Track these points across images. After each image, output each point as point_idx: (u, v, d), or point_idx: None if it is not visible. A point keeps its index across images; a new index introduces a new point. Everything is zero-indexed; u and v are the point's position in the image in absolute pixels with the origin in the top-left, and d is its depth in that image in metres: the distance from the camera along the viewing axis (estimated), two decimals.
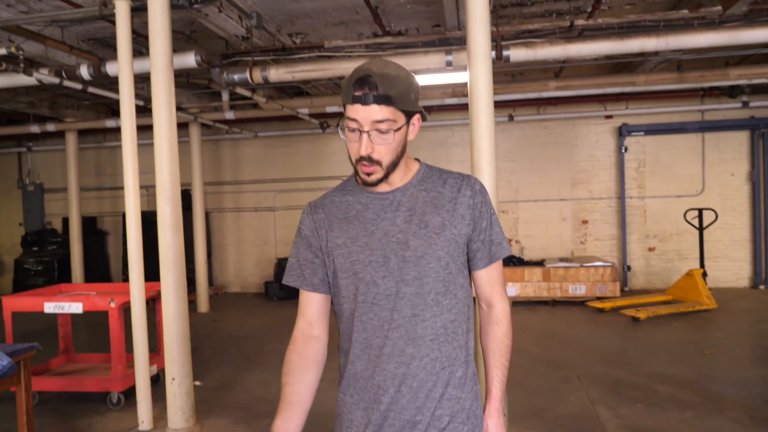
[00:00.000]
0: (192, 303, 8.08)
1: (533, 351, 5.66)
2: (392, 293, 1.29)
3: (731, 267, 9.03)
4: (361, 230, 1.33)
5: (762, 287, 8.82)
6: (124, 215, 9.72)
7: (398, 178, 1.35)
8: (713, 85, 7.73)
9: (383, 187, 1.35)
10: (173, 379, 3.75)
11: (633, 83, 6.84)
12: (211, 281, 9.71)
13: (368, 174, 1.29)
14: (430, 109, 8.66)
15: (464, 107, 8.38)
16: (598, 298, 7.79)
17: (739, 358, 5.40)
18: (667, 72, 6.94)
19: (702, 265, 7.79)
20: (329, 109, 7.56)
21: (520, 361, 5.18)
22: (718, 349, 5.57)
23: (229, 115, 7.66)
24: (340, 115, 9.05)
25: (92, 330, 7.31)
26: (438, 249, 1.30)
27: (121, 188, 10.42)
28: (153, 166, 3.68)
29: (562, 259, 8.52)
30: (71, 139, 8.88)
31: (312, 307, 1.38)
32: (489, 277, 1.39)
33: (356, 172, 1.34)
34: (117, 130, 9.55)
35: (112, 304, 4.17)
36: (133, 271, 3.75)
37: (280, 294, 9.21)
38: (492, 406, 1.39)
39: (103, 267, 10.32)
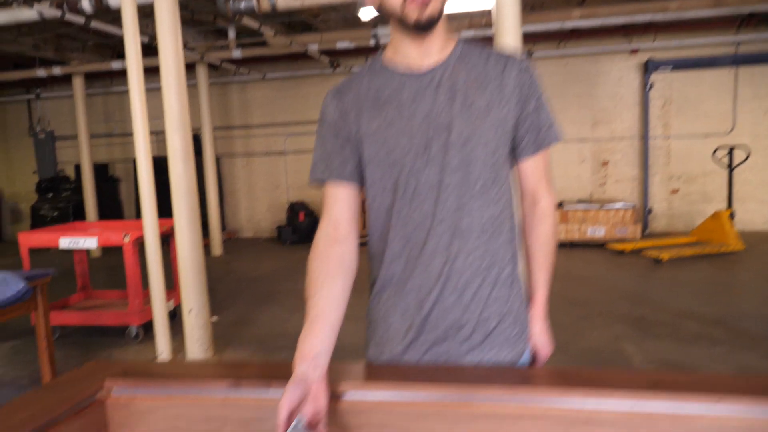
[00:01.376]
0: (206, 247, 8.11)
1: (552, 289, 5.61)
2: (435, 183, 1.18)
3: (759, 209, 8.86)
4: (396, 114, 1.19)
5: None
6: (134, 161, 9.78)
7: (437, 48, 1.20)
8: (753, 11, 7.36)
9: (419, 62, 1.20)
10: (190, 310, 3.77)
11: (665, 9, 6.52)
12: (223, 226, 9.75)
13: (424, 4, 1.11)
14: None
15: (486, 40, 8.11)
16: (618, 241, 7.71)
17: None
18: None
19: (730, 205, 7.64)
20: (339, 45, 7.36)
21: None
22: (746, 288, 5.50)
23: (237, 53, 7.48)
24: (351, 53, 8.87)
25: (108, 272, 7.40)
26: (485, 132, 1.17)
27: (131, 134, 10.46)
28: (161, 111, 3.60)
29: (580, 201, 8.41)
30: (78, 83, 8.78)
31: (340, 203, 1.23)
32: (536, 167, 1.28)
33: (401, 24, 1.15)
34: (124, 74, 9.42)
35: (126, 239, 4.16)
36: (145, 204, 3.72)
37: (293, 238, 9.23)
38: (537, 311, 1.32)
39: (116, 213, 10.41)
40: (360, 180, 1.25)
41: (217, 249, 8.57)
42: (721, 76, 8.74)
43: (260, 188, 10.26)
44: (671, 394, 0.98)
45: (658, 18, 7.01)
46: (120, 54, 8.88)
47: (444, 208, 1.18)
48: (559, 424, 1.02)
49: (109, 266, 7.78)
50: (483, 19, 6.82)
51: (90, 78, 9.62)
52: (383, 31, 6.84)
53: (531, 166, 1.27)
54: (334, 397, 1.07)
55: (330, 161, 1.23)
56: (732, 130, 8.76)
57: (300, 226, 9.22)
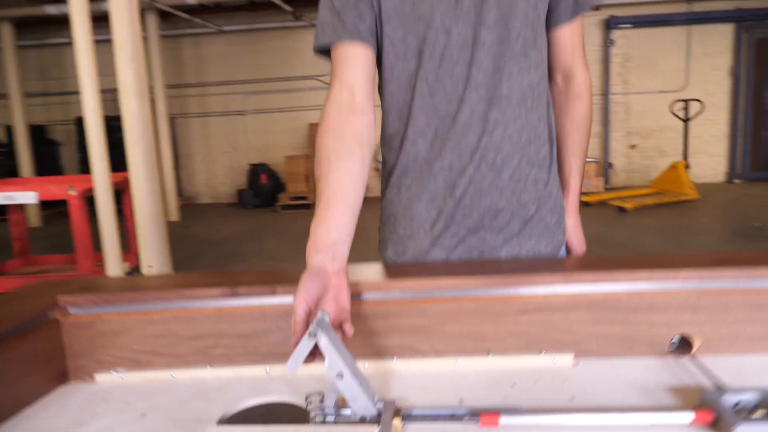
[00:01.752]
0: None
1: None
2: (468, 42, 0.97)
3: (709, 162, 9.04)
4: None
5: (737, 181, 8.88)
6: (77, 120, 9.12)
7: None
8: None
9: None
10: (150, 266, 3.48)
11: None
12: (179, 192, 9.29)
13: None
14: None
15: None
16: (583, 194, 7.71)
17: (728, 236, 5.43)
18: None
19: (685, 157, 7.73)
20: None
21: None
22: (705, 231, 5.60)
23: None
24: (315, 4, 8.44)
25: (49, 242, 6.91)
26: None
27: (71, 93, 9.77)
28: (105, 68, 3.23)
29: None
30: (7, 32, 7.98)
31: (355, 66, 0.99)
32: (572, 37, 1.08)
33: None
34: (60, 21, 8.72)
35: (72, 192, 3.78)
36: (93, 152, 3.38)
37: (255, 201, 8.88)
38: (571, 202, 1.14)
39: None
40: (376, 41, 1.02)
41: (173, 213, 8.15)
42: (676, 34, 8.77)
43: (218, 150, 9.80)
44: (738, 269, 0.86)
45: None
46: None
47: (480, 70, 0.97)
48: (618, 311, 0.85)
49: (51, 235, 7.27)
50: None
51: (21, 26, 8.76)
52: None
53: (567, 35, 1.08)
54: (354, 297, 0.87)
55: (341, 18, 0.99)
56: (685, 86, 8.85)
57: (262, 188, 8.87)
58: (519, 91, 0.98)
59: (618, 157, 9.11)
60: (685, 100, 7.78)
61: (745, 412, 0.66)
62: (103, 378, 0.87)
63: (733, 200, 7.39)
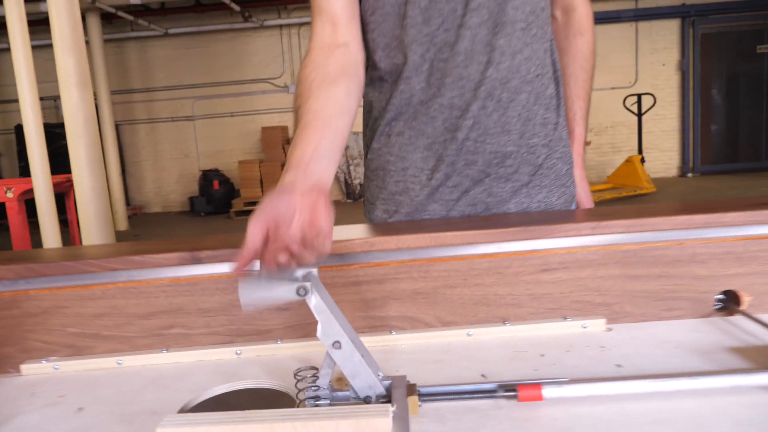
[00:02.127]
0: None
1: None
2: None
3: (661, 157, 9.25)
4: None
5: (690, 175, 9.11)
6: (17, 129, 8.62)
7: None
8: None
9: None
10: None
11: None
12: (128, 201, 8.87)
13: None
14: None
15: None
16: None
17: None
18: None
19: (640, 151, 7.87)
20: None
21: None
22: None
23: None
24: (265, 2, 8.22)
25: None
26: None
27: (10, 101, 9.25)
28: (46, 75, 2.99)
29: None
30: None
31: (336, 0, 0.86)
32: None
33: None
34: None
35: (9, 194, 3.49)
36: (33, 155, 3.11)
37: (208, 209, 8.56)
38: (576, 151, 1.01)
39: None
40: None
41: (121, 223, 7.75)
42: (624, 30, 8.96)
43: (168, 157, 9.43)
44: None
45: None
46: None
47: None
48: (655, 265, 0.73)
49: None
50: None
51: None
52: None
53: None
54: (340, 259, 0.71)
55: None
56: (636, 82, 9.04)
57: (215, 195, 8.56)
58: (524, 15, 0.85)
59: None
60: (638, 95, 7.92)
61: None
62: (30, 369, 0.69)
63: (688, 193, 7.55)
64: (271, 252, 0.56)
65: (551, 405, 0.54)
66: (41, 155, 3.01)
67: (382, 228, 0.82)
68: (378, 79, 0.91)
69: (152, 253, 0.70)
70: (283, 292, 0.53)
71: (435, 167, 0.88)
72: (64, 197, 3.87)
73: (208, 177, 8.66)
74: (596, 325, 0.72)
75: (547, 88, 0.90)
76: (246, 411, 0.48)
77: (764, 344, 0.63)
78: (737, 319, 0.71)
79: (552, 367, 0.62)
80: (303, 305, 0.54)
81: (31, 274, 0.70)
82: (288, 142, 8.90)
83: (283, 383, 0.63)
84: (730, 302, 0.73)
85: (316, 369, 0.55)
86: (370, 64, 0.92)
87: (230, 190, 8.73)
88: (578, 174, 1.00)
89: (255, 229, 0.57)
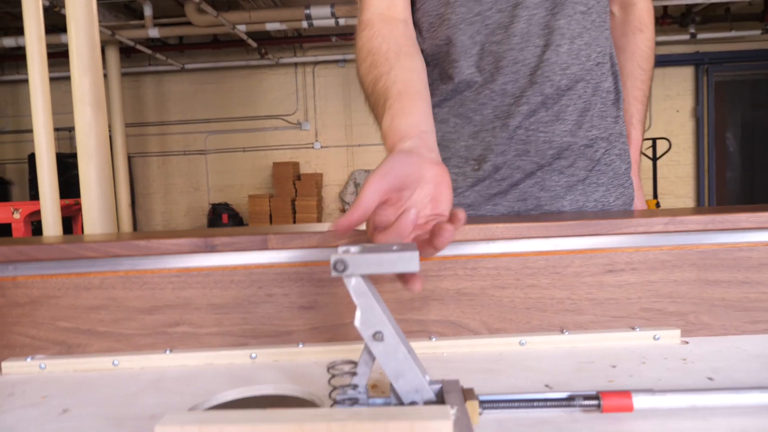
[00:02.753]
0: None
1: None
2: None
3: (676, 203, 9.15)
4: None
5: None
6: (30, 158, 8.68)
7: None
8: (668, 4, 7.57)
9: None
10: None
11: None
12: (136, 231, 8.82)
13: None
14: None
15: None
16: None
17: None
18: None
19: (655, 195, 7.79)
20: (269, 27, 6.83)
21: None
22: None
23: (153, 32, 6.75)
24: (281, 41, 8.35)
25: None
26: None
27: (25, 131, 9.35)
28: (64, 107, 3.01)
29: None
30: None
31: None
32: None
33: None
34: (16, 57, 8.40)
35: (17, 215, 3.44)
36: (43, 178, 3.07)
37: None
38: (633, 157, 0.93)
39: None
40: None
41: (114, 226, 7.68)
42: None
43: (178, 190, 9.43)
44: None
45: None
46: (9, 32, 7.84)
47: None
48: (738, 268, 0.63)
49: None
50: None
51: None
52: (317, 12, 6.40)
53: None
54: None
55: None
56: (649, 127, 9.02)
57: None
58: None
59: None
60: (653, 139, 7.90)
61: None
62: (12, 367, 0.60)
63: None
64: (384, 216, 0.47)
65: (642, 417, 0.43)
66: (51, 178, 2.97)
67: None
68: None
69: (160, 238, 0.62)
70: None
71: (482, 157, 0.79)
72: (71, 221, 3.82)
73: (217, 210, 8.64)
74: (670, 337, 0.62)
75: (605, 80, 0.83)
76: (268, 410, 0.39)
77: None
78: None
79: (629, 379, 0.52)
80: (329, 304, 0.45)
81: (20, 257, 0.61)
82: (299, 177, 8.89)
83: (307, 390, 0.53)
84: None
85: (354, 363, 0.45)
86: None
87: (239, 225, 8.68)
88: (635, 182, 0.92)
89: (376, 186, 0.47)
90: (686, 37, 8.48)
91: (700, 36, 8.44)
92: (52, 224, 3.00)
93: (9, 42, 6.96)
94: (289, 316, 0.62)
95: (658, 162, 8.20)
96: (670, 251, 0.63)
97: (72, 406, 0.50)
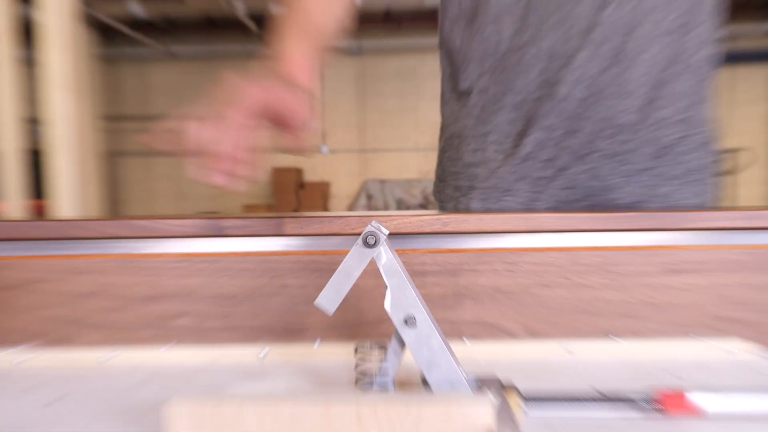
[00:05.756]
0: None
1: None
2: None
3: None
4: None
5: None
6: None
7: None
8: None
9: None
10: None
11: None
12: None
13: None
14: (400, 21, 8.20)
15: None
16: None
17: None
18: None
19: None
20: (273, 7, 6.95)
21: None
22: None
23: (136, 8, 6.88)
24: None
25: None
26: None
27: None
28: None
29: None
30: None
31: None
32: None
33: None
34: None
35: None
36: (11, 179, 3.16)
37: None
38: None
39: None
40: None
41: None
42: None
43: (162, 196, 9.56)
44: None
45: None
46: None
47: None
48: None
49: None
50: None
51: None
52: None
53: None
54: (400, 243, 0.65)
55: None
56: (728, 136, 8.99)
57: None
58: None
59: None
60: (730, 151, 7.85)
61: None
62: None
63: None
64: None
65: (711, 422, 0.46)
66: (16, 176, 3.04)
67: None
68: (456, 19, 0.87)
69: (162, 219, 0.65)
70: (352, 259, 0.47)
71: (524, 132, 0.82)
72: None
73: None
74: (748, 352, 0.64)
75: (699, 50, 0.83)
76: (292, 392, 0.41)
77: None
78: None
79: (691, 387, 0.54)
80: (350, 298, 0.47)
81: (1, 236, 0.65)
82: (302, 186, 8.98)
83: (326, 389, 0.55)
84: None
85: (384, 346, 0.48)
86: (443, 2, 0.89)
87: None
88: None
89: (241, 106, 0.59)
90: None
91: None
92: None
93: None
94: (305, 310, 0.65)
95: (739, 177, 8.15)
96: (750, 251, 0.65)
97: (56, 400, 0.54)
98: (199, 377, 0.58)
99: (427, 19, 8.26)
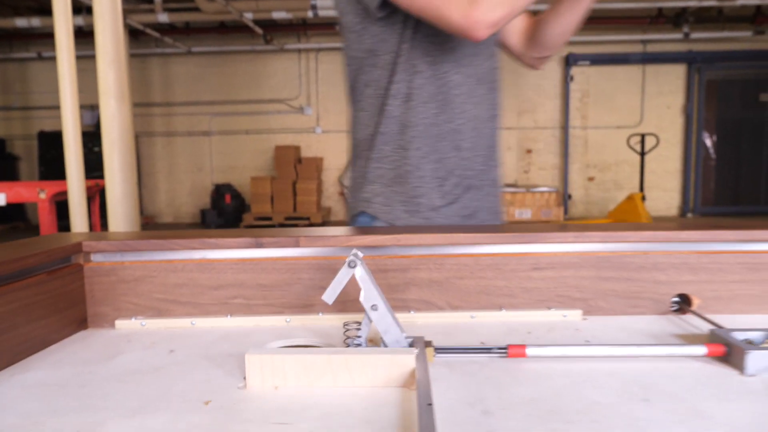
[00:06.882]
0: None
1: None
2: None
3: (662, 197, 9.44)
4: None
5: (689, 215, 9.28)
6: (39, 135, 8.92)
7: None
8: (663, 5, 7.80)
9: None
10: None
11: None
12: (141, 210, 9.09)
13: None
14: None
15: None
16: (543, 222, 7.92)
17: None
18: None
19: (642, 189, 8.05)
20: (276, 15, 7.04)
21: None
22: None
23: (163, 17, 6.96)
24: (286, 28, 8.54)
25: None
26: None
27: (34, 108, 9.57)
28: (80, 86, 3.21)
29: (508, 185, 8.58)
30: None
31: None
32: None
33: None
34: (27, 37, 8.58)
35: (42, 195, 3.70)
36: (70, 160, 3.32)
37: (218, 221, 8.77)
38: None
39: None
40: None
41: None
42: (632, 72, 9.23)
43: (182, 170, 9.68)
44: (733, 232, 0.93)
45: None
46: (20, 14, 8.02)
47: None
48: (624, 269, 0.90)
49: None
50: None
51: None
52: (323, 2, 6.61)
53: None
54: (373, 250, 0.89)
55: None
56: (641, 122, 9.28)
57: (226, 208, 8.78)
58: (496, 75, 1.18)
59: (577, 188, 9.42)
60: (642, 135, 8.14)
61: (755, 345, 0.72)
62: (123, 324, 0.87)
63: None
64: None
65: (533, 361, 0.71)
66: (77, 161, 3.22)
67: (407, 228, 1.01)
68: (395, 95, 1.12)
69: (224, 237, 0.89)
70: (342, 273, 0.71)
71: (444, 177, 1.12)
72: (89, 201, 4.07)
73: (220, 191, 8.89)
74: (574, 315, 0.89)
75: (499, 128, 1.20)
76: (311, 347, 0.66)
77: (702, 333, 0.81)
78: (688, 317, 0.89)
79: (536, 340, 0.80)
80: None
81: (126, 248, 0.88)
82: (300, 161, 9.15)
83: (327, 341, 0.80)
84: (683, 303, 0.90)
85: (359, 323, 0.73)
86: (389, 84, 1.13)
87: (241, 205, 8.94)
88: None
89: None
90: (680, 36, 8.69)
91: (694, 36, 8.65)
92: (78, 204, 3.26)
93: (22, 22, 7.15)
94: (313, 293, 0.90)
95: (647, 156, 8.46)
96: (578, 256, 0.91)
97: (175, 348, 0.78)
98: (250, 337, 0.83)
99: None
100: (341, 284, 0.73)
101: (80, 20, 6.66)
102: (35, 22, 7.04)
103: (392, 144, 1.12)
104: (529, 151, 9.41)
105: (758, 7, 8.25)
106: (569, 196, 9.35)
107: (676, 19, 8.54)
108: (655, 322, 0.87)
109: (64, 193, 3.48)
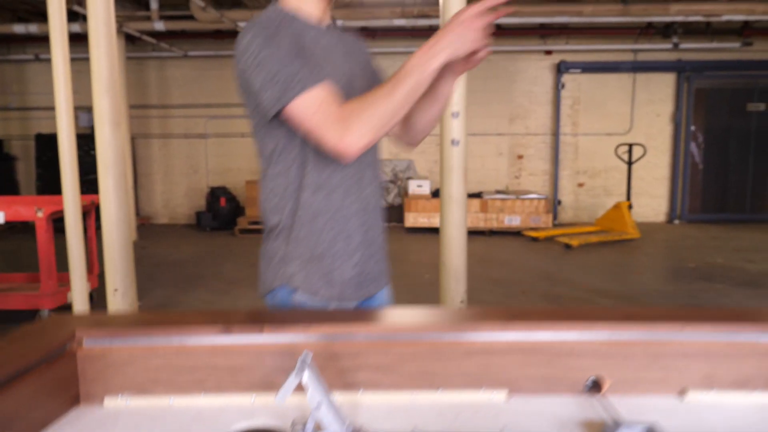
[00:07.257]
0: None
1: (476, 271, 5.80)
2: None
3: (650, 203, 9.59)
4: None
5: (676, 222, 9.45)
6: (36, 137, 9.01)
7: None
8: (652, 20, 7.93)
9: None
10: (116, 290, 3.53)
11: (580, 13, 6.90)
12: (137, 211, 9.21)
13: None
14: (374, 33, 8.40)
15: (416, 32, 8.18)
16: (532, 229, 8.08)
17: (664, 276, 5.81)
18: (612, 4, 7.05)
19: (629, 198, 8.21)
20: None
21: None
22: (645, 269, 5.97)
23: (159, 25, 7.06)
24: None
25: (5, 259, 6.79)
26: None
27: (31, 109, 9.69)
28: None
29: (498, 192, 8.72)
30: None
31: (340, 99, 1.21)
32: None
33: None
34: (25, 40, 8.67)
35: (40, 214, 3.82)
36: (66, 175, 3.44)
37: (213, 224, 8.89)
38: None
39: (12, 193, 9.53)
40: None
41: (131, 233, 8.07)
42: (623, 80, 9.36)
43: (178, 172, 9.79)
44: (643, 324, 1.07)
45: (573, 20, 7.39)
46: (20, 17, 8.11)
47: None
48: (544, 355, 1.05)
49: (4, 251, 7.14)
50: (415, 9, 6.87)
51: None
52: None
53: None
54: (329, 338, 1.03)
55: (313, 68, 1.22)
56: (630, 130, 9.41)
57: (221, 211, 8.91)
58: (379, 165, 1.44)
59: (567, 194, 9.56)
60: (629, 144, 8.28)
61: None
62: (111, 402, 1.01)
63: (671, 240, 7.88)
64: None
65: None
66: (73, 178, 3.33)
67: (358, 316, 1.15)
68: (309, 185, 1.30)
69: (198, 324, 1.03)
70: (292, 377, 0.85)
71: (353, 251, 1.35)
72: (85, 216, 4.20)
73: (215, 194, 9.01)
74: (500, 395, 1.04)
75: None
76: None
77: (601, 420, 0.95)
78: (596, 399, 1.03)
79: (460, 426, 0.94)
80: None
81: (115, 335, 1.02)
82: None
83: (282, 423, 0.94)
84: (595, 385, 1.05)
85: (306, 419, 0.87)
86: (304, 174, 1.29)
87: (236, 208, 9.07)
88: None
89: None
90: (669, 46, 8.82)
91: (683, 46, 8.78)
92: (73, 224, 3.39)
93: (19, 28, 7.25)
94: (275, 375, 1.04)
95: (637, 164, 8.60)
96: (505, 344, 1.05)
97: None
98: (220, 416, 0.97)
99: (396, 33, 8.48)
100: (291, 387, 0.87)
101: (76, 27, 6.76)
102: (32, 28, 7.14)
103: (306, 228, 1.30)
104: (520, 157, 9.54)
105: (746, 21, 8.37)
106: (559, 202, 9.49)
107: (666, 30, 8.67)
108: (568, 405, 1.01)
109: (61, 212, 3.61)
